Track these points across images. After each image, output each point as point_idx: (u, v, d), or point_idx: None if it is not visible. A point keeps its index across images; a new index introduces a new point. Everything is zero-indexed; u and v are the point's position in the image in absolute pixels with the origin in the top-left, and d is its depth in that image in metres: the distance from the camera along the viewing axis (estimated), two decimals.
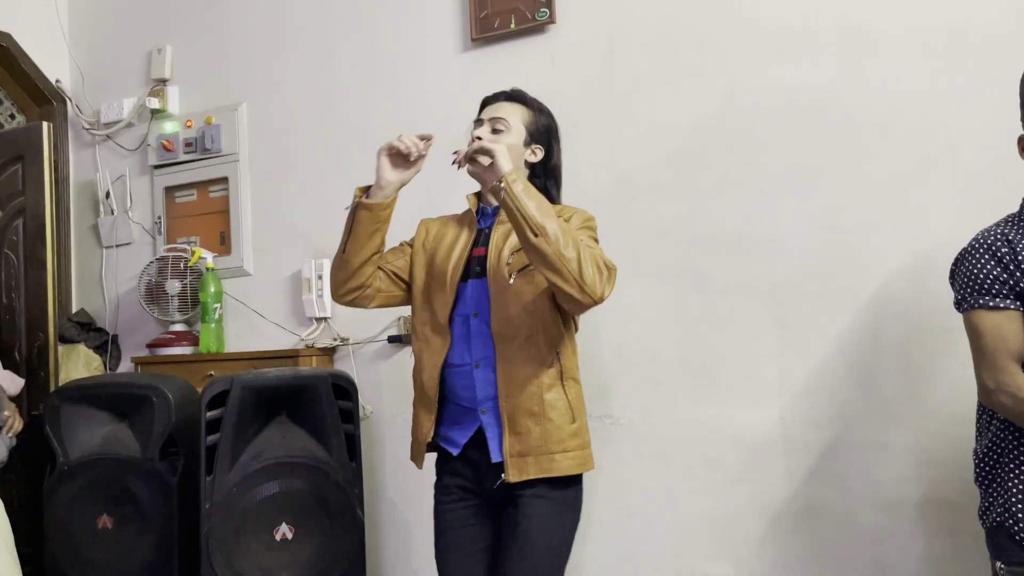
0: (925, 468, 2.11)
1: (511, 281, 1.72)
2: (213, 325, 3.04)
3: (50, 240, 2.95)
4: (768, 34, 2.34)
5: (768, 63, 2.34)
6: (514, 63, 2.66)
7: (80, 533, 2.57)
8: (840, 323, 2.23)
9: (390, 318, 2.83)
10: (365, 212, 1.72)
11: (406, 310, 2.78)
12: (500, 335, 1.72)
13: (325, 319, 2.96)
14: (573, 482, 1.79)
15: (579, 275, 1.57)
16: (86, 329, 3.39)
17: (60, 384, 2.88)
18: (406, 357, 2.80)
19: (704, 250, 2.41)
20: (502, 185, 1.58)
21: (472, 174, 1.74)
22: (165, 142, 3.26)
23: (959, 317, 1.58)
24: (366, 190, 1.75)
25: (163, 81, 3.34)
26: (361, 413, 2.55)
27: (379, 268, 1.84)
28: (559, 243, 1.56)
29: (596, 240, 1.81)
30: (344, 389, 2.43)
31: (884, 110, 2.20)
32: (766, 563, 2.29)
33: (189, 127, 3.25)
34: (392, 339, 2.80)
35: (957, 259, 1.60)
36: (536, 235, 1.56)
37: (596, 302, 1.62)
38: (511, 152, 1.70)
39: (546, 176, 1.91)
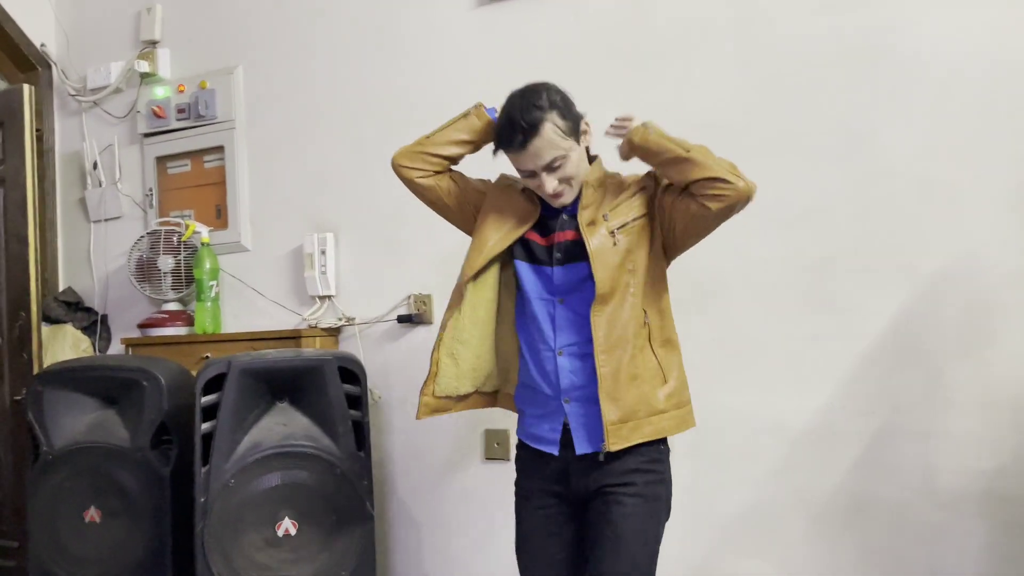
0: (987, 459, 1.94)
1: (615, 244, 1.62)
2: (209, 304, 2.85)
3: (32, 213, 2.76)
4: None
5: (813, 15, 2.14)
6: (532, 21, 2.45)
7: (65, 527, 2.39)
8: (892, 301, 2.04)
9: (400, 296, 2.64)
10: (475, 119, 1.72)
11: (416, 287, 2.62)
12: (602, 298, 1.60)
13: (329, 297, 2.76)
14: (659, 462, 1.66)
15: (732, 168, 1.57)
16: (73, 308, 3.20)
17: (44, 367, 2.69)
18: (417, 338, 2.62)
19: (741, 221, 2.18)
20: (647, 131, 1.61)
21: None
22: (156, 108, 3.05)
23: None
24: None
25: (153, 43, 3.12)
26: (369, 399, 2.37)
27: (459, 176, 1.80)
28: (711, 159, 1.57)
29: None
30: (351, 372, 2.24)
31: (942, 66, 2.01)
32: (810, 562, 2.12)
33: (181, 92, 3.04)
34: (402, 319, 2.61)
35: None
36: (688, 150, 1.57)
37: (750, 193, 1.57)
38: (579, 166, 1.65)
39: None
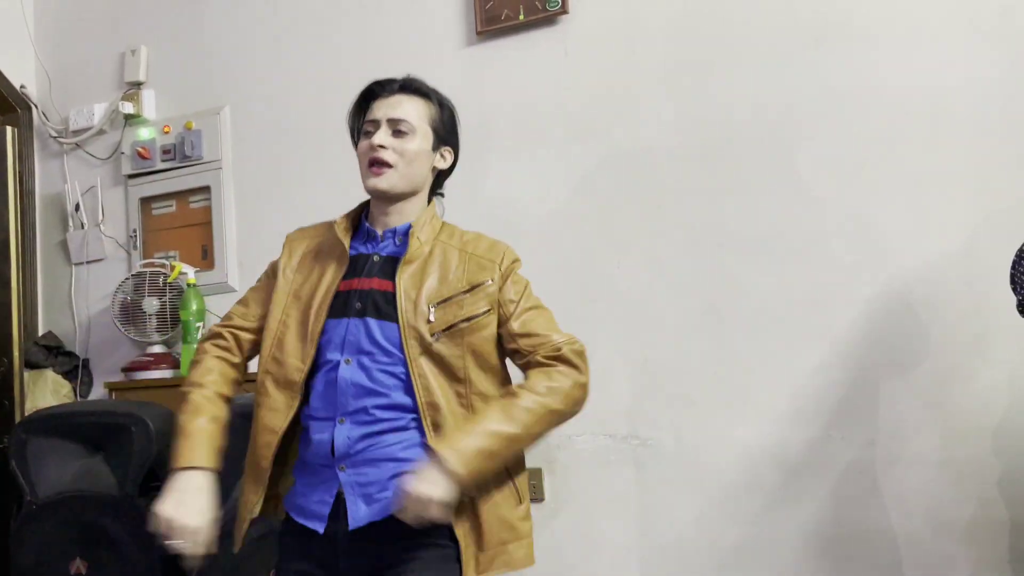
0: (993, 487, 1.94)
1: (432, 341, 1.38)
2: (195, 346, 2.79)
3: (15, 256, 2.71)
4: (802, 22, 2.18)
5: (803, 53, 2.18)
6: (523, 56, 2.48)
7: None
8: (891, 331, 2.06)
9: None
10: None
11: None
12: (426, 394, 1.38)
13: None
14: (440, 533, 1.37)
15: (575, 407, 1.43)
16: (54, 353, 3.12)
17: (26, 414, 2.61)
18: None
19: (736, 255, 2.23)
20: (462, 492, 1.32)
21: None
22: (140, 149, 3.02)
23: None
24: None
25: (138, 84, 3.10)
26: None
27: (233, 336, 1.53)
28: (547, 418, 1.38)
29: (539, 302, 1.50)
30: None
31: (930, 101, 2.05)
32: None
33: (167, 133, 3.01)
34: None
35: (1017, 259, 1.45)
36: (534, 439, 1.39)
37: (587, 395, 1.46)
38: (419, 162, 1.45)
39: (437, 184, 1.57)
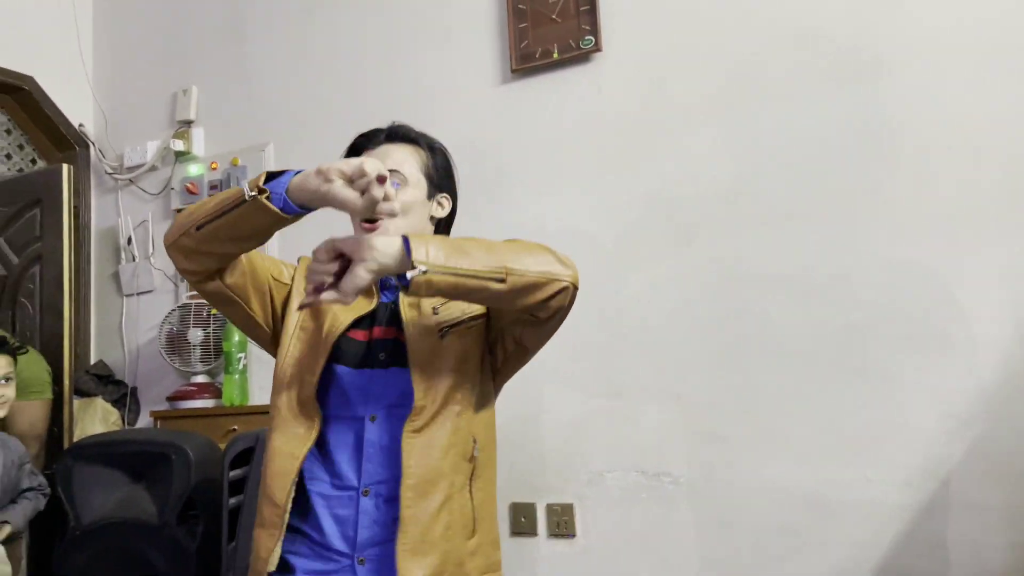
0: None
1: (443, 342, 1.24)
2: (237, 376, 2.87)
3: (68, 288, 2.81)
4: (831, 58, 2.17)
5: (832, 88, 2.16)
6: (557, 94, 2.51)
7: None
8: (931, 369, 2.00)
9: None
10: (260, 214, 1.10)
11: None
12: (422, 411, 1.21)
13: None
14: None
15: (564, 267, 1.16)
16: (104, 382, 3.23)
17: (74, 441, 2.70)
18: None
19: (767, 290, 2.21)
20: (418, 272, 1.05)
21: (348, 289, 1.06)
22: (189, 185, 3.14)
23: None
24: (275, 176, 1.12)
25: (188, 123, 3.23)
26: None
27: (253, 267, 1.29)
28: (530, 263, 1.13)
29: None
30: None
31: (965, 133, 2.01)
32: None
33: (214, 169, 3.12)
34: None
35: None
36: (503, 280, 1.10)
37: (577, 281, 1.19)
38: (414, 213, 1.29)
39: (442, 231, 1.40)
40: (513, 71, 2.57)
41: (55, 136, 3.41)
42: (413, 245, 1.06)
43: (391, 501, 1.19)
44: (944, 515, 1.96)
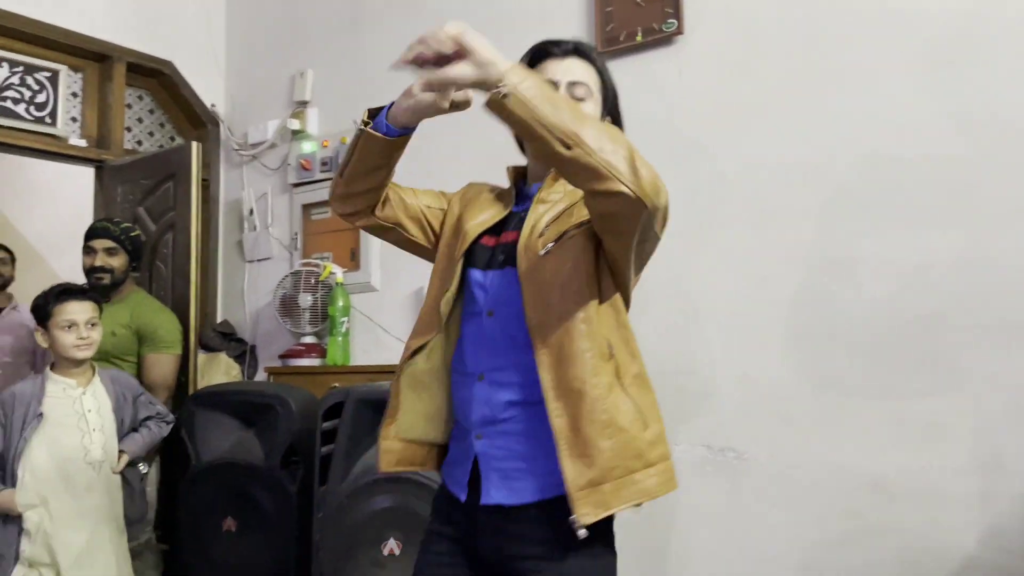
0: None
1: (543, 254, 1.27)
2: (340, 338, 3.11)
3: (194, 254, 3.13)
4: (921, 37, 2.12)
5: (920, 71, 2.12)
6: (640, 76, 2.56)
7: (207, 534, 2.69)
8: (1000, 359, 1.97)
9: None
10: (372, 142, 1.28)
11: None
12: (540, 328, 1.25)
13: None
14: (599, 539, 1.26)
15: (632, 174, 1.10)
16: (228, 339, 3.57)
17: (197, 389, 3.03)
18: None
19: (842, 276, 2.21)
20: (502, 89, 1.08)
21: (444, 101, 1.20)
22: (303, 161, 3.40)
23: None
24: (378, 112, 1.29)
25: (304, 103, 3.49)
26: None
27: (403, 200, 1.43)
28: (606, 147, 1.10)
29: None
30: None
31: None
32: None
33: (325, 147, 3.37)
34: None
35: None
36: (569, 147, 1.09)
37: (655, 205, 1.14)
38: None
39: None
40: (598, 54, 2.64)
41: (191, 115, 3.77)
42: (513, 67, 1.10)
43: (504, 387, 1.28)
44: (1008, 505, 1.93)
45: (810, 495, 2.20)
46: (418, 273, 3.06)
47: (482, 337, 1.32)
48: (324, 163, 3.36)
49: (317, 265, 3.27)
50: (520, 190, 1.44)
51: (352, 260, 3.29)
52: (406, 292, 3.12)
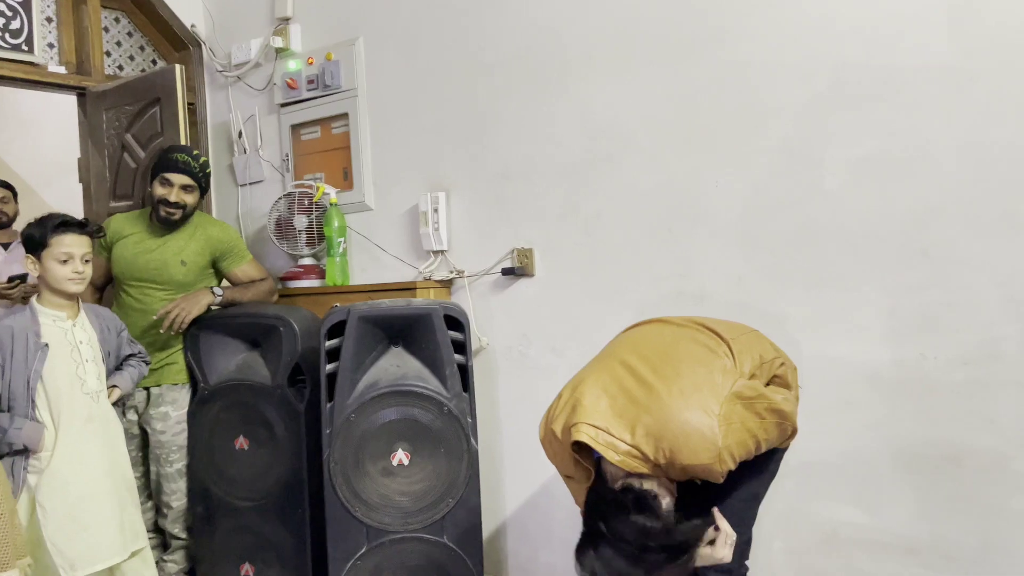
0: None
1: None
2: (338, 259, 3.12)
3: None
4: None
5: None
6: None
7: (220, 452, 2.76)
8: (994, 251, 1.98)
9: (504, 250, 2.80)
10: None
11: (520, 241, 2.76)
12: None
13: (442, 252, 2.96)
14: None
15: None
16: None
17: None
18: (519, 289, 2.78)
19: (836, 171, 2.20)
20: None
21: None
22: (289, 80, 3.33)
23: None
24: None
25: (286, 20, 3.40)
26: (477, 344, 2.54)
27: None
28: None
29: None
30: (456, 320, 2.43)
31: None
32: (903, 510, 2.12)
33: (311, 64, 3.30)
34: (506, 271, 2.77)
35: None
36: None
37: None
38: None
39: None
40: None
41: (171, 37, 3.67)
42: None
43: None
44: (1001, 393, 1.98)
45: (807, 392, 2.24)
46: (411, 191, 3.05)
47: None
48: (310, 81, 3.29)
49: (310, 186, 3.24)
50: None
51: (345, 180, 3.27)
52: (400, 211, 3.11)
